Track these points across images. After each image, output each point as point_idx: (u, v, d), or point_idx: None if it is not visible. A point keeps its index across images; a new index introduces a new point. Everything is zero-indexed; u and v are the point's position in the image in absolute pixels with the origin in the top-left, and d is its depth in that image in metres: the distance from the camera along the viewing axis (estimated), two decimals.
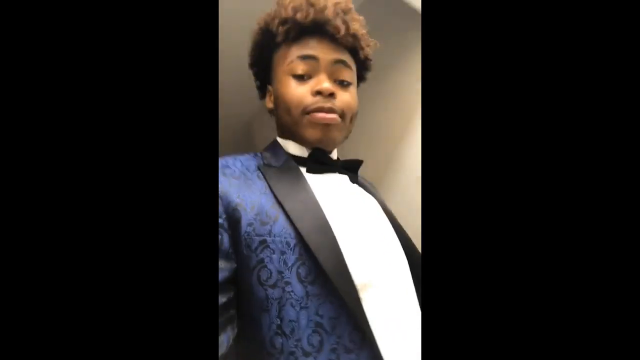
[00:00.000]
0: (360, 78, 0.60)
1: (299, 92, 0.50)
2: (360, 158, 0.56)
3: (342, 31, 0.50)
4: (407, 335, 0.42)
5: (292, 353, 0.38)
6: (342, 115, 0.51)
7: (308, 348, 0.38)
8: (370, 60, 0.58)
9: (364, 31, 0.54)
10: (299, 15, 0.49)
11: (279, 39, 0.51)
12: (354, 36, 0.52)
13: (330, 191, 0.48)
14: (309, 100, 0.49)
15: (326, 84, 0.49)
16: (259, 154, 0.53)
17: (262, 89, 0.59)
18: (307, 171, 0.50)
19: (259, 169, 0.49)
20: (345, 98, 0.51)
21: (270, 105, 0.56)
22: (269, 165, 0.50)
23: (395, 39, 1.05)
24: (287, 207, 0.43)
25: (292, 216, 0.42)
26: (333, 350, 0.38)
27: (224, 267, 0.40)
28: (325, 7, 0.50)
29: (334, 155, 0.57)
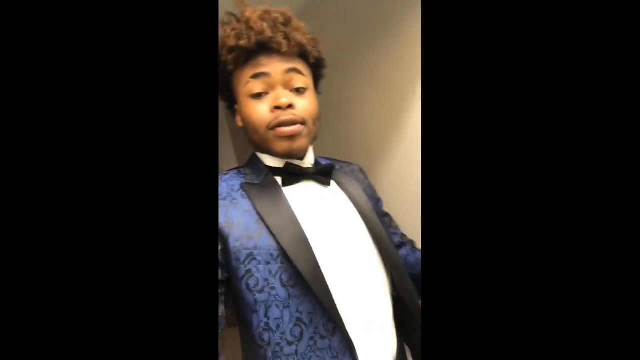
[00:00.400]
0: (319, 77, 0.63)
1: (260, 111, 0.54)
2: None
3: (285, 46, 0.53)
4: (374, 322, 0.51)
5: (278, 344, 0.47)
6: (304, 122, 0.54)
7: (291, 339, 0.47)
8: (322, 59, 0.61)
9: (307, 36, 0.57)
10: (242, 42, 0.52)
11: (231, 67, 0.55)
12: (299, 44, 0.55)
13: (305, 202, 0.55)
14: (270, 116, 0.53)
15: (283, 99, 0.52)
16: (241, 171, 0.58)
17: (231, 109, 0.62)
18: (283, 184, 0.56)
19: (242, 187, 0.55)
20: (304, 105, 0.55)
21: (240, 123, 0.60)
22: (250, 184, 0.55)
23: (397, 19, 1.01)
24: (269, 223, 0.50)
25: (273, 231, 0.50)
26: (311, 338, 0.47)
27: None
28: (263, 28, 0.52)
29: (310, 157, 0.61)
